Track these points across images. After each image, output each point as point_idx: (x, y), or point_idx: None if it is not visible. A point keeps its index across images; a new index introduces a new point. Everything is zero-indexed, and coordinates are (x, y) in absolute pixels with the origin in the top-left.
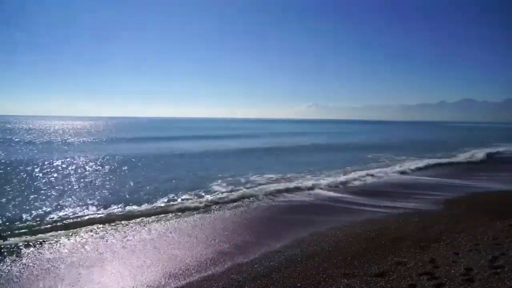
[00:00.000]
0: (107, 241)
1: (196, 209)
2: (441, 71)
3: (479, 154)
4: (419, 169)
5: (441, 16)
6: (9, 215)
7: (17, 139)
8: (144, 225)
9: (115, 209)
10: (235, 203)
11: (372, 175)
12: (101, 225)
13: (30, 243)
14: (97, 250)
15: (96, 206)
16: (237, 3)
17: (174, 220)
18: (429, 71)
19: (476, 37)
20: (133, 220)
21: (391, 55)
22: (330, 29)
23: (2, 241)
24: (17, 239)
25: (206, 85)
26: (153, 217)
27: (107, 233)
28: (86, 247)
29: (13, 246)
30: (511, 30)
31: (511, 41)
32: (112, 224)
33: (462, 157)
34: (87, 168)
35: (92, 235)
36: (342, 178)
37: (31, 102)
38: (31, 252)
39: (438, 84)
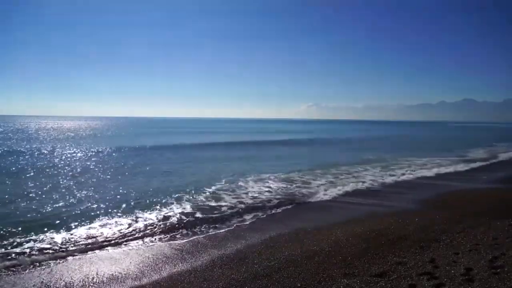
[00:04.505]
0: None
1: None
2: (441, 71)
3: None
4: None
5: (441, 16)
6: None
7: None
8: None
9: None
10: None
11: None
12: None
13: None
14: None
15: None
16: (236, 3)
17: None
18: (429, 71)
19: (476, 37)
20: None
21: (391, 55)
22: (331, 28)
23: None
24: None
25: (206, 86)
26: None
27: None
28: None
29: None
30: (511, 30)
31: (511, 41)
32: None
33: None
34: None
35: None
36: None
37: (27, 103)
38: None
39: (438, 84)
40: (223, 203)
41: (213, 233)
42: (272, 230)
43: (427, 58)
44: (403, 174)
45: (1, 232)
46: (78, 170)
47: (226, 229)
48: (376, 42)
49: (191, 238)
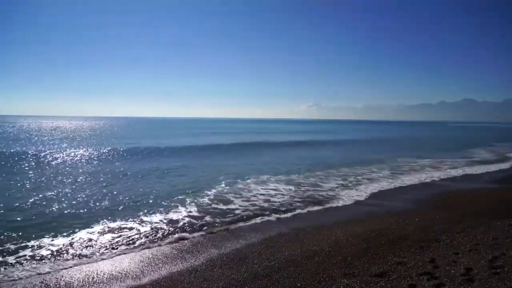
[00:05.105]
0: None
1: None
2: (441, 71)
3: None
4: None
5: (441, 16)
6: None
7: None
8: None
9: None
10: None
11: None
12: None
13: None
14: None
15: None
16: (237, 3)
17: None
18: (429, 71)
19: (476, 37)
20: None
21: (392, 55)
22: (331, 28)
23: None
24: None
25: (206, 86)
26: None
27: None
28: None
29: None
30: (511, 31)
31: (511, 41)
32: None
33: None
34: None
35: None
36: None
37: (27, 103)
38: None
39: (438, 84)
40: (232, 206)
41: (213, 233)
42: (272, 230)
43: (427, 58)
44: (416, 177)
45: (4, 234)
46: (80, 172)
47: (226, 228)
48: (376, 42)
49: (191, 238)
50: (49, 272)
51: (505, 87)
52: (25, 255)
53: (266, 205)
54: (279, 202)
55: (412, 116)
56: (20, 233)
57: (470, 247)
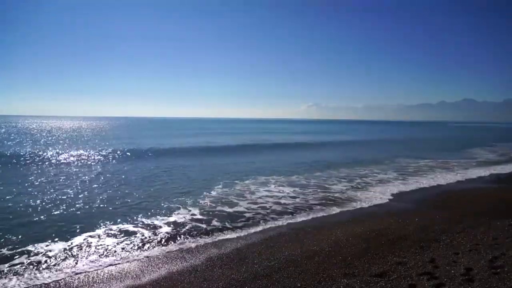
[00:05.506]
0: None
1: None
2: (441, 71)
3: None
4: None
5: (441, 16)
6: None
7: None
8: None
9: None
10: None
11: None
12: None
13: None
14: None
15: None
16: (237, 2)
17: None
18: (429, 72)
19: (476, 38)
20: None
21: (392, 55)
22: (331, 28)
23: None
24: None
25: (206, 86)
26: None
27: None
28: None
29: None
30: (511, 31)
31: (511, 41)
32: None
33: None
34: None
35: None
36: None
37: (27, 103)
38: None
39: (438, 84)
40: (239, 209)
41: (215, 236)
42: (272, 230)
43: (427, 58)
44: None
45: (5, 237)
46: (80, 174)
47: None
48: (376, 42)
49: (192, 239)
50: (48, 280)
51: (505, 87)
52: (22, 262)
53: (279, 208)
54: (293, 204)
55: (412, 116)
56: (17, 237)
57: (470, 247)
